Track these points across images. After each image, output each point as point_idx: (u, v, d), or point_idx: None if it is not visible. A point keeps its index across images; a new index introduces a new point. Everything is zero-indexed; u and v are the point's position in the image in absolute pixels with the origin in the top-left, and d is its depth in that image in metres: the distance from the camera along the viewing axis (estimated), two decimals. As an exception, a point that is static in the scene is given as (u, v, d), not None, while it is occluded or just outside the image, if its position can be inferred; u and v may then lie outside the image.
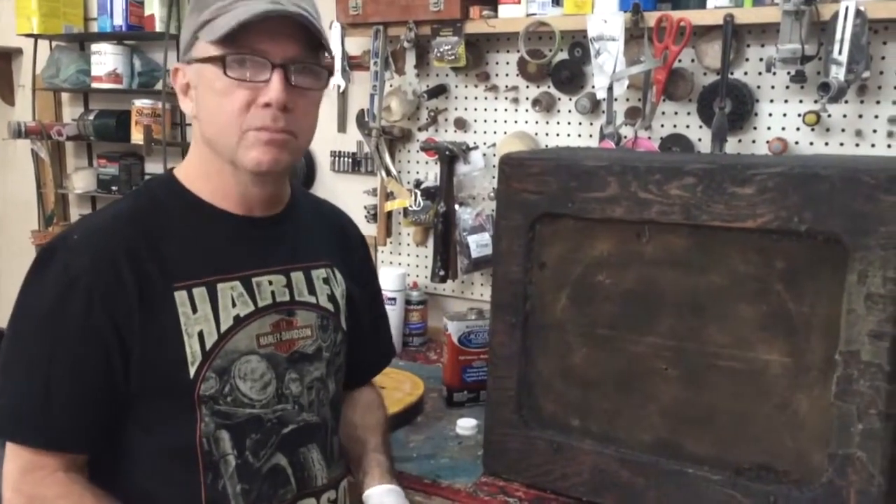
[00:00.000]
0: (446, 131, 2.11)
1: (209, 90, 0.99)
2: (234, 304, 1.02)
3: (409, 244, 2.22)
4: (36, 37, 2.59)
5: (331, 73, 1.08)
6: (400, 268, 2.12)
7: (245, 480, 1.02)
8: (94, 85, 2.52)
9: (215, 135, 1.01)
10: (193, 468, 1.00)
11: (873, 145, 1.65)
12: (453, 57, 1.93)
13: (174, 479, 1.01)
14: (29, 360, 0.97)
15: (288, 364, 1.07)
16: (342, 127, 2.27)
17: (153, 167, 2.53)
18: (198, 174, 1.06)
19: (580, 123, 1.94)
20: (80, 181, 2.71)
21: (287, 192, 1.14)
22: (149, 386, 0.98)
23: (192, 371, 0.98)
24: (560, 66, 1.91)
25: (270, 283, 1.06)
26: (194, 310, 0.99)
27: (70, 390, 0.96)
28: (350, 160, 2.27)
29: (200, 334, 0.99)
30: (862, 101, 1.65)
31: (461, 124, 2.08)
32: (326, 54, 1.06)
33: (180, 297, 0.99)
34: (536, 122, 1.99)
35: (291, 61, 0.99)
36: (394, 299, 1.98)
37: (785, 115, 1.72)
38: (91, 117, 2.58)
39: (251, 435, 1.03)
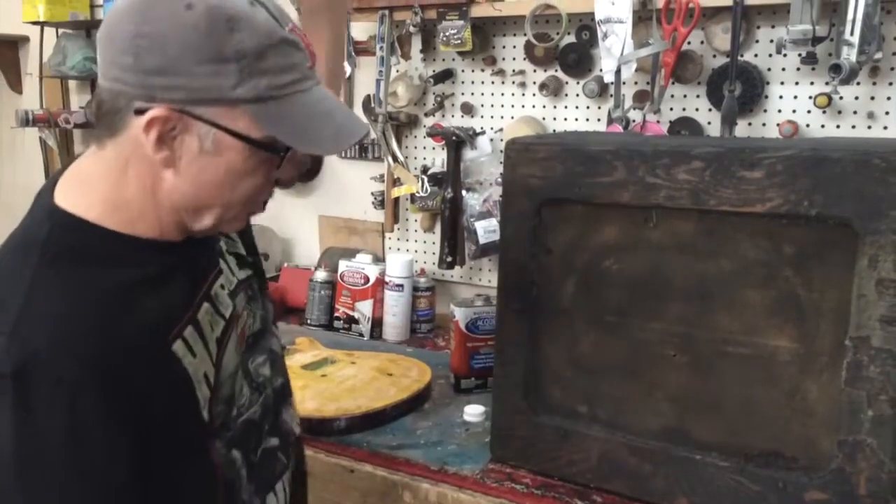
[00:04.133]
0: (453, 116, 2.10)
1: (231, 165, 0.84)
2: (212, 329, 0.91)
3: (416, 230, 2.21)
4: (42, 24, 2.58)
5: None
6: (407, 254, 2.12)
7: (254, 480, 0.99)
8: (101, 72, 2.52)
9: (214, 206, 0.86)
10: (215, 498, 0.91)
11: (885, 128, 1.63)
12: (459, 41, 1.92)
13: None
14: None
15: (247, 353, 1.00)
16: (348, 113, 2.26)
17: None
18: (125, 215, 0.85)
19: (588, 107, 1.93)
20: (88, 169, 2.71)
21: None
22: (169, 450, 0.84)
23: (206, 413, 0.88)
24: (567, 49, 1.89)
25: (220, 286, 0.95)
26: (193, 354, 0.86)
27: None
28: (357, 146, 2.26)
29: (206, 376, 0.88)
30: (874, 83, 1.63)
31: (468, 109, 2.06)
32: None
33: (178, 348, 0.85)
34: (544, 107, 1.98)
35: None
36: (401, 286, 1.97)
37: (796, 97, 1.70)
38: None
39: (251, 439, 0.99)
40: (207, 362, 0.88)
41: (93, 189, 0.85)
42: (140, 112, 0.80)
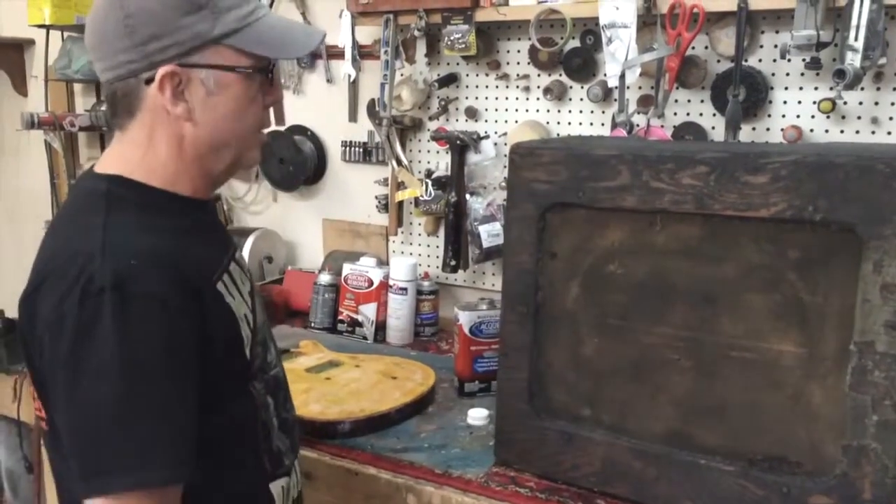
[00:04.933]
0: (457, 120, 2.10)
1: (235, 97, 0.99)
2: (242, 283, 1.07)
3: (420, 234, 2.22)
4: (48, 27, 2.59)
5: None
6: (411, 258, 2.12)
7: (285, 435, 1.12)
8: (106, 75, 2.52)
9: (233, 140, 1.02)
10: (255, 438, 1.07)
11: (889, 133, 1.63)
12: (464, 45, 1.92)
13: (243, 456, 1.05)
14: (161, 399, 0.90)
15: (268, 325, 1.16)
16: (353, 116, 2.27)
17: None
18: (163, 172, 1.00)
19: (592, 112, 1.93)
20: (93, 172, 2.72)
21: None
22: (220, 378, 0.98)
23: (248, 351, 1.04)
24: (572, 53, 1.89)
25: (240, 257, 1.13)
26: (233, 296, 1.02)
27: (193, 418, 0.93)
28: (361, 150, 2.27)
29: (245, 317, 1.04)
30: (878, 88, 1.63)
31: (472, 113, 2.07)
32: None
33: (221, 288, 1.00)
34: (548, 111, 1.98)
35: None
36: (405, 289, 1.98)
37: (800, 102, 1.70)
38: (103, 108, 2.58)
39: (280, 393, 1.13)
40: (245, 307, 1.04)
41: (129, 160, 1.00)
42: (150, 81, 0.95)
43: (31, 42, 2.85)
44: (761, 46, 1.73)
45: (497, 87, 2.03)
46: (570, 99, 1.95)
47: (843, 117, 1.67)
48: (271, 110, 1.07)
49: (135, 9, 0.93)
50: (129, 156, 1.00)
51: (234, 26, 0.97)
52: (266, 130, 1.07)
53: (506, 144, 1.99)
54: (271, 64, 1.02)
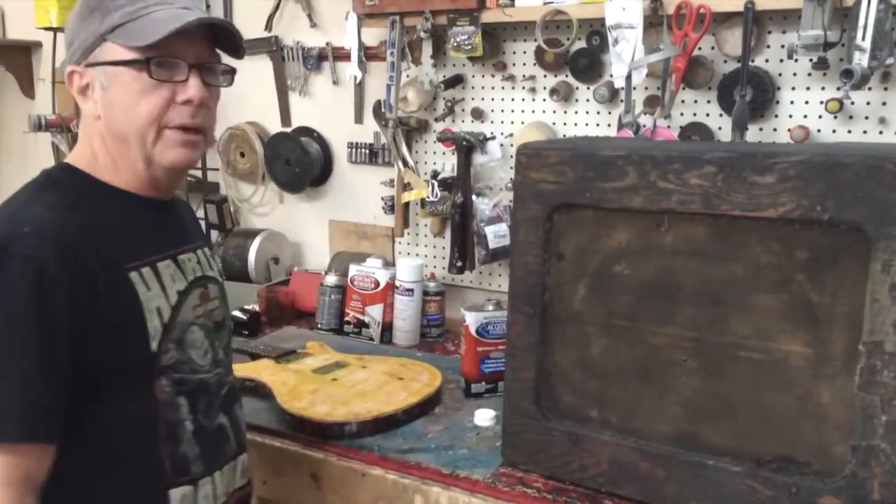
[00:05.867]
0: (463, 121, 2.10)
1: (125, 90, 1.05)
2: (173, 281, 1.11)
3: (426, 235, 2.22)
4: (55, 30, 2.60)
5: (234, 72, 1.16)
6: (417, 259, 2.12)
7: (200, 443, 1.13)
8: (113, 78, 2.53)
9: (130, 134, 1.07)
10: (155, 439, 1.07)
11: (897, 133, 1.63)
12: (470, 47, 1.92)
13: (136, 453, 1.06)
14: (20, 358, 0.95)
15: (214, 332, 1.18)
16: (359, 118, 2.27)
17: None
18: (103, 165, 1.10)
19: (598, 113, 1.93)
20: (100, 174, 2.72)
21: None
22: (112, 365, 1.03)
23: (154, 344, 1.06)
24: (578, 54, 1.89)
25: (189, 260, 1.17)
26: (148, 288, 1.06)
27: (56, 382, 0.97)
28: (367, 151, 2.27)
29: (158, 309, 1.07)
30: (886, 88, 1.62)
31: (478, 114, 2.07)
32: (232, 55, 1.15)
33: (135, 277, 1.05)
34: (554, 112, 1.98)
35: (203, 62, 1.09)
36: (411, 290, 1.98)
37: (807, 102, 1.70)
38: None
39: (202, 398, 1.14)
40: (163, 301, 1.08)
41: (81, 153, 1.12)
42: None
43: (39, 45, 2.86)
44: (768, 46, 1.72)
45: (503, 88, 2.03)
46: (577, 100, 1.95)
47: (851, 117, 1.66)
48: (188, 108, 1.07)
49: (69, 21, 1.10)
50: (81, 149, 1.12)
51: (118, 22, 1.04)
52: (181, 127, 1.07)
53: (512, 145, 1.99)
54: (154, 56, 1.03)
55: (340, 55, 2.24)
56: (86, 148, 1.11)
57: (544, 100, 1.98)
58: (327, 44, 2.28)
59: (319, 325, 2.08)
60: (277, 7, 2.33)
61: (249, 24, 2.39)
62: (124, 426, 1.05)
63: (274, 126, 2.43)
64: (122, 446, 1.05)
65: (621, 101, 1.81)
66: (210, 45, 1.11)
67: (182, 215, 1.25)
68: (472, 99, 2.08)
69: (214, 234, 2.41)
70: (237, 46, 1.13)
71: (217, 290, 1.22)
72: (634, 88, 1.77)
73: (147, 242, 1.10)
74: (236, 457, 1.22)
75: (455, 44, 1.93)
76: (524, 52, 1.99)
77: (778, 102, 1.73)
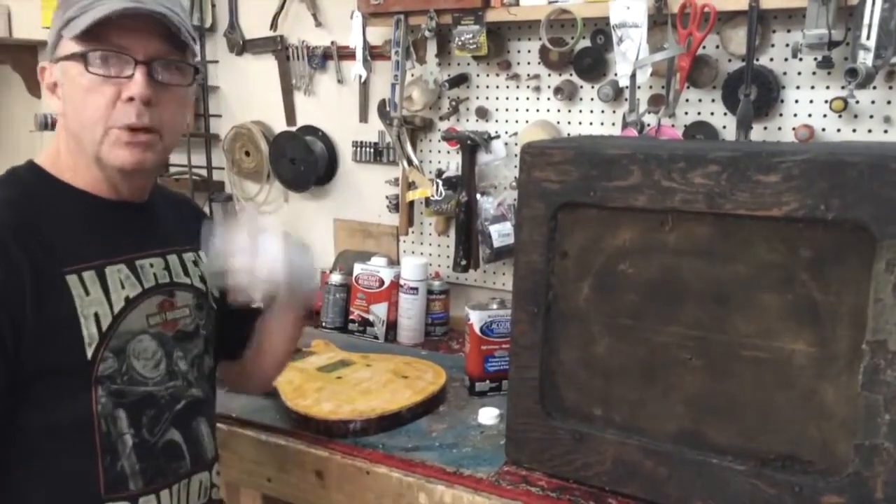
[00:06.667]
0: (468, 120, 2.11)
1: (74, 87, 1.02)
2: (122, 286, 1.06)
3: (430, 234, 2.22)
4: (61, 29, 2.61)
5: (198, 70, 1.11)
6: (422, 257, 2.12)
7: (142, 458, 1.07)
8: (119, 77, 2.54)
9: (80, 132, 1.04)
10: (90, 451, 1.02)
11: (902, 131, 1.63)
12: (475, 45, 1.92)
13: (70, 464, 1.02)
14: None
15: (174, 342, 1.12)
16: (364, 117, 2.27)
17: (176, 158, 2.55)
18: (66, 165, 1.08)
19: (602, 111, 1.93)
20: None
21: (153, 182, 1.19)
22: (44, 369, 0.98)
23: (90, 352, 1.01)
24: (582, 53, 1.90)
25: (151, 265, 1.11)
26: (87, 293, 1.01)
27: None
28: (372, 150, 2.28)
29: (96, 315, 1.02)
30: (890, 87, 1.62)
31: (483, 113, 2.07)
32: (194, 50, 1.11)
33: (72, 280, 1.00)
34: (558, 111, 1.98)
35: (154, 58, 1.03)
36: (416, 289, 1.98)
37: (811, 101, 1.70)
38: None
39: (146, 412, 1.07)
40: (104, 307, 1.02)
41: (50, 152, 1.10)
42: None
43: (45, 44, 2.86)
44: (773, 45, 1.72)
45: (507, 87, 2.04)
46: (581, 99, 1.95)
47: (856, 116, 1.66)
48: (132, 106, 1.01)
49: (56, 7, 1.07)
50: (51, 148, 1.10)
51: (71, 15, 1.01)
52: (127, 126, 1.02)
53: (516, 144, 1.99)
54: (93, 49, 1.00)
55: (345, 54, 2.25)
56: (54, 147, 1.09)
57: (549, 99, 1.98)
58: (332, 43, 2.28)
59: (324, 324, 2.09)
60: (282, 6, 2.34)
61: (254, 24, 2.40)
62: (58, 433, 1.00)
63: (279, 125, 2.44)
64: (55, 454, 1.01)
65: (625, 99, 1.81)
66: (166, 40, 1.03)
67: (160, 218, 1.18)
68: (477, 98, 2.08)
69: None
70: (183, 42, 1.05)
71: (191, 298, 1.16)
72: (639, 87, 1.77)
73: (97, 245, 1.05)
74: (191, 475, 1.14)
75: (460, 43, 1.94)
76: (529, 51, 1.99)
77: (782, 101, 1.73)
